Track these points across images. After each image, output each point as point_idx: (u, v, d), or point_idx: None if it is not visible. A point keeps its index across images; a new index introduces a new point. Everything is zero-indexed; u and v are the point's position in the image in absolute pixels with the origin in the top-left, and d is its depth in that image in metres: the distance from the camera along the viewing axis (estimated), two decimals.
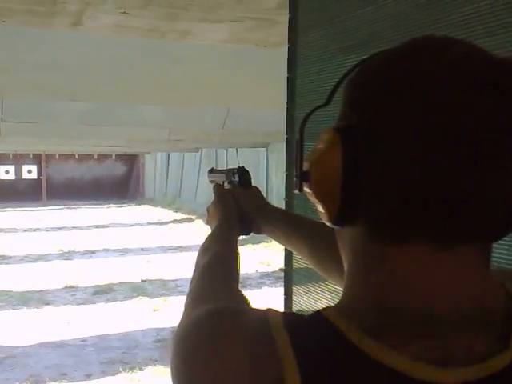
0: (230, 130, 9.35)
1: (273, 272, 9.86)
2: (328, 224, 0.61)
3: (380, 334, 0.55)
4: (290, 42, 2.13)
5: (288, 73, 2.14)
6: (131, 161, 26.24)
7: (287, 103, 2.15)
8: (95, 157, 25.03)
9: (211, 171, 1.36)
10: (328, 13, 1.92)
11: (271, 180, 14.24)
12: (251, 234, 1.16)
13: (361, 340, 0.54)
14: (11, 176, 24.14)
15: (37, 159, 24.34)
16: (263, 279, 9.38)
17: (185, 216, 18.55)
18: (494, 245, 0.60)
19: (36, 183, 24.67)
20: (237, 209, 1.14)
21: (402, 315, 0.55)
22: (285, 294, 2.20)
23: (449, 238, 0.55)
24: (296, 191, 0.64)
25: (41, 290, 8.89)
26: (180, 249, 12.53)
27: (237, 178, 1.19)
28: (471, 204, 0.54)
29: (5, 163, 23.77)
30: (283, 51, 2.19)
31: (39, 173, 24.63)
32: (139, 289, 8.96)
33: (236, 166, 1.22)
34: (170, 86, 5.37)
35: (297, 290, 2.14)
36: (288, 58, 2.14)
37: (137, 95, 5.86)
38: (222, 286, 0.80)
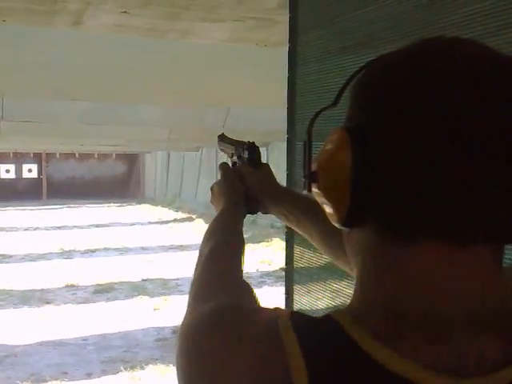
0: (231, 130, 9.34)
1: (273, 271, 9.85)
2: (337, 225, 0.60)
3: (391, 338, 0.54)
4: (290, 42, 2.13)
5: (288, 72, 2.15)
6: (131, 160, 26.24)
7: (287, 103, 2.15)
8: (96, 156, 25.04)
9: (221, 138, 1.29)
10: (328, 13, 1.93)
11: None
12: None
13: (371, 345, 0.53)
14: (12, 175, 24.13)
15: (37, 158, 24.35)
16: (264, 278, 9.38)
17: (185, 215, 18.55)
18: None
19: (36, 182, 24.67)
20: (243, 188, 1.11)
21: (413, 319, 0.54)
22: (286, 293, 2.20)
23: (463, 237, 0.54)
24: (305, 192, 0.63)
25: (41, 289, 8.89)
26: (180, 248, 12.54)
27: (246, 155, 1.15)
28: (486, 202, 0.53)
29: (5, 162, 23.77)
30: (283, 51, 2.19)
31: (40, 172, 24.63)
32: (140, 288, 8.97)
33: (246, 141, 1.17)
34: (171, 86, 5.38)
35: (298, 289, 2.14)
36: (288, 58, 2.14)
37: (137, 94, 5.86)
38: (226, 278, 0.79)
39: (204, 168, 19.08)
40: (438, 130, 0.53)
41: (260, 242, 12.28)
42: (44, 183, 24.69)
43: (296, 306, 2.13)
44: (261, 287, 8.43)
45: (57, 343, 6.43)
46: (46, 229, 15.92)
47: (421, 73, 0.55)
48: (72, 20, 3.14)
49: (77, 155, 24.50)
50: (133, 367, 5.74)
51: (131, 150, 21.08)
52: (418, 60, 0.56)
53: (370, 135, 0.56)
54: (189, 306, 0.72)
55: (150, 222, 17.58)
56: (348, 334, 0.55)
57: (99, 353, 6.17)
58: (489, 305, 0.55)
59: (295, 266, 2.15)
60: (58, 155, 24.47)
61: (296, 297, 2.14)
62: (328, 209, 0.60)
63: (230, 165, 1.20)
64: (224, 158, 1.23)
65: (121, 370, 5.66)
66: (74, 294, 8.75)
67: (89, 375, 5.59)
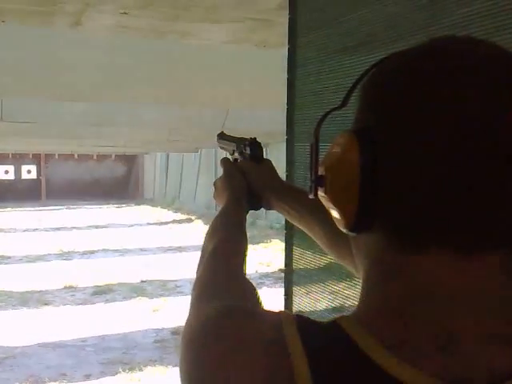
0: (230, 131, 9.31)
1: (272, 272, 9.85)
2: (344, 231, 0.59)
3: (398, 347, 0.52)
4: (289, 43, 2.13)
5: (288, 73, 2.15)
6: (131, 161, 26.24)
7: (287, 104, 2.15)
8: (95, 157, 25.03)
9: (221, 136, 1.28)
10: (328, 14, 1.92)
11: None
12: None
13: (377, 353, 0.52)
14: (11, 176, 24.13)
15: (36, 159, 24.34)
16: (263, 280, 9.37)
17: (184, 216, 18.55)
18: None
19: (35, 183, 24.66)
20: (246, 184, 1.10)
21: (421, 328, 0.53)
22: (285, 295, 2.20)
23: (474, 244, 0.52)
24: (311, 196, 0.61)
25: (40, 290, 8.88)
26: (179, 249, 12.53)
27: (248, 151, 1.14)
28: (498, 209, 0.51)
29: (4, 163, 23.76)
30: (283, 52, 2.19)
31: (39, 173, 24.62)
32: (138, 289, 8.96)
33: (248, 137, 1.16)
34: (170, 87, 5.38)
35: (297, 290, 2.14)
36: (288, 59, 2.14)
37: (136, 95, 5.86)
38: (229, 277, 0.78)
39: (203, 169, 19.08)
40: (452, 131, 0.51)
41: (259, 243, 12.28)
42: (43, 184, 24.68)
43: (295, 308, 2.13)
44: (260, 288, 8.40)
45: (56, 345, 6.42)
46: (45, 230, 15.92)
47: (432, 73, 0.54)
48: (71, 21, 3.14)
49: (76, 156, 24.49)
50: (132, 369, 5.73)
51: (130, 151, 21.08)
52: (428, 60, 0.55)
53: (380, 137, 0.54)
54: (192, 306, 0.71)
55: (149, 223, 17.57)
56: (354, 340, 0.54)
57: (98, 354, 6.16)
58: (498, 315, 0.54)
59: (294, 267, 2.15)
60: (57, 156, 24.47)
61: (295, 298, 2.14)
62: (335, 213, 0.59)
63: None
64: (224, 156, 1.22)
65: (120, 372, 5.65)
66: (73, 295, 8.74)
67: (87, 377, 5.59)
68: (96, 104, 7.56)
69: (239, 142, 1.18)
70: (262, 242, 12.53)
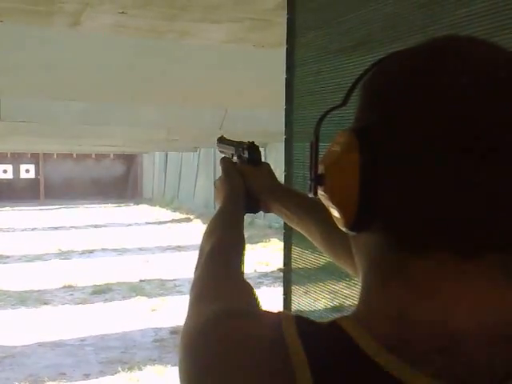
0: (228, 130, 9.34)
1: (271, 272, 9.85)
2: (343, 230, 0.59)
3: (398, 348, 0.52)
4: (288, 43, 2.13)
5: (286, 73, 2.15)
6: (129, 160, 26.22)
7: (285, 104, 2.15)
8: (93, 156, 25.02)
9: (220, 140, 1.29)
10: (326, 14, 1.93)
11: None
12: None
13: (378, 354, 0.52)
14: (9, 175, 24.10)
15: (35, 158, 24.32)
16: (261, 279, 9.37)
17: (183, 216, 18.55)
18: None
19: (34, 183, 24.64)
20: (245, 186, 1.10)
21: (422, 329, 0.52)
22: (284, 294, 2.20)
23: (475, 245, 0.52)
24: (310, 195, 0.61)
25: (39, 290, 8.88)
26: (178, 248, 12.53)
27: (246, 155, 1.15)
28: (498, 209, 0.51)
29: (3, 162, 23.74)
30: (281, 52, 2.19)
31: (37, 172, 24.60)
32: (137, 288, 8.96)
33: (246, 141, 1.17)
34: (169, 86, 5.38)
35: (296, 290, 2.14)
36: (286, 59, 2.14)
37: (135, 95, 5.86)
38: (227, 277, 0.78)
39: (202, 168, 19.08)
40: (452, 131, 0.51)
41: (258, 242, 12.29)
42: (41, 184, 24.66)
43: (294, 307, 2.13)
44: (259, 288, 8.43)
45: (55, 344, 6.42)
46: (44, 229, 15.90)
47: (432, 73, 0.54)
48: (70, 21, 3.13)
49: (74, 156, 24.48)
50: (131, 368, 5.73)
51: (129, 150, 21.07)
52: (428, 60, 0.55)
53: (380, 137, 0.54)
54: (191, 306, 0.71)
55: (148, 223, 17.56)
56: (354, 341, 0.53)
57: (97, 354, 6.17)
58: (500, 315, 0.53)
59: (293, 266, 2.15)
60: (55, 156, 24.44)
61: (294, 298, 2.14)
62: (335, 212, 0.59)
63: None
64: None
65: (119, 371, 5.65)
66: (72, 294, 8.74)
67: (87, 376, 5.59)
68: (95, 103, 7.56)
69: (238, 145, 1.19)
70: (261, 242, 12.53)
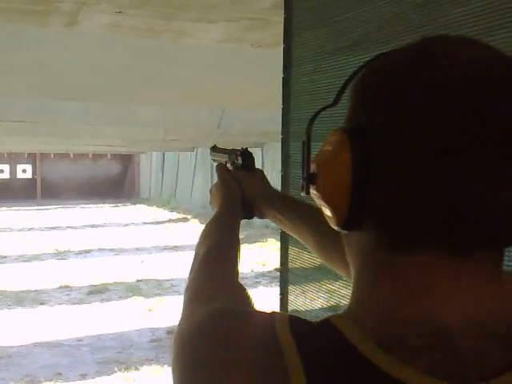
0: (226, 130, 9.35)
1: (268, 272, 9.86)
2: (335, 228, 0.59)
3: (390, 345, 0.53)
4: (285, 43, 2.13)
5: (283, 73, 2.15)
6: (126, 160, 26.19)
7: (282, 103, 2.15)
8: (90, 156, 24.99)
9: (214, 149, 1.31)
10: (323, 13, 1.93)
11: None
12: (254, 218, 1.15)
13: (370, 351, 0.53)
14: (6, 175, 24.06)
15: (31, 158, 24.28)
16: (259, 279, 9.38)
17: (180, 216, 18.54)
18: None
19: (31, 182, 24.60)
20: (239, 192, 1.12)
21: (413, 326, 0.53)
22: (281, 294, 2.20)
23: (463, 244, 0.53)
24: (303, 194, 0.62)
25: (36, 290, 8.87)
26: (175, 248, 12.52)
27: (240, 161, 1.16)
28: (487, 209, 0.52)
29: None
30: (278, 51, 2.19)
31: (34, 172, 24.56)
32: (134, 288, 8.96)
33: (239, 148, 1.19)
34: (166, 86, 5.37)
35: (293, 289, 2.14)
36: (283, 59, 2.14)
37: (132, 95, 5.86)
38: (221, 279, 0.78)
39: (199, 168, 19.07)
40: (442, 131, 0.52)
41: (255, 242, 12.29)
42: (38, 183, 24.62)
43: (291, 307, 2.13)
44: (256, 288, 8.43)
45: (51, 344, 6.41)
46: (41, 229, 15.88)
47: (423, 73, 0.54)
48: (66, 20, 3.13)
49: (71, 155, 24.45)
50: (127, 368, 5.73)
51: (126, 150, 21.05)
52: (419, 60, 0.55)
53: (371, 136, 0.55)
54: (185, 307, 0.71)
55: (145, 223, 17.56)
56: (348, 339, 0.54)
57: (94, 354, 6.16)
58: (489, 311, 0.54)
59: (290, 266, 2.15)
60: (52, 155, 24.41)
61: (291, 297, 2.14)
62: (326, 211, 0.59)
63: None
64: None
65: (115, 371, 5.65)
66: (69, 294, 8.73)
67: (83, 376, 5.58)
68: (91, 103, 7.55)
69: (231, 153, 1.21)
70: (258, 241, 12.53)
